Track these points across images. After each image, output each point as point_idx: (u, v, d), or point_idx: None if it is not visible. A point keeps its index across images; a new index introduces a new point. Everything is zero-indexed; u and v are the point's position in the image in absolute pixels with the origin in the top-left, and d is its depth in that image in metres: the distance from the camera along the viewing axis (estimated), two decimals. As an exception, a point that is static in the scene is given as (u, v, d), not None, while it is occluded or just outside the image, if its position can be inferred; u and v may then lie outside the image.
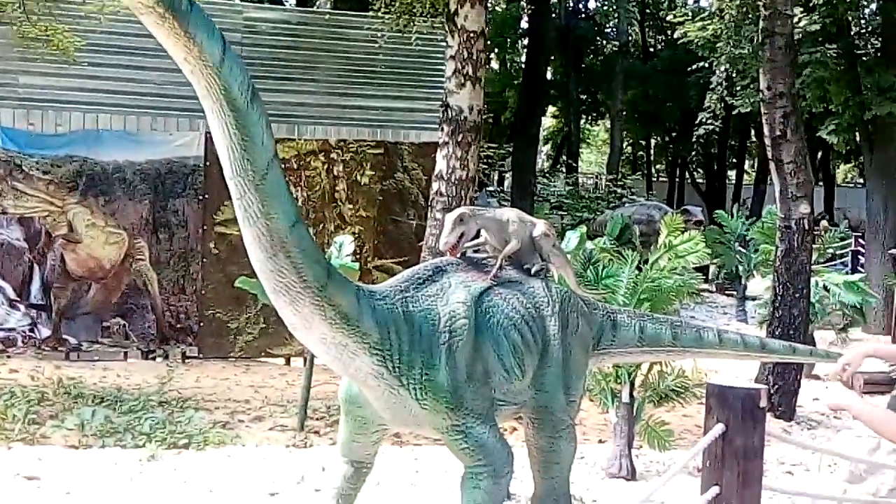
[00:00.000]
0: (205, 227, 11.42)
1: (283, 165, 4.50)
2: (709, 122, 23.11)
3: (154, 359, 11.34)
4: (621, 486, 7.05)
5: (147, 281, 11.42)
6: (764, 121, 10.19)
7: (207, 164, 11.31)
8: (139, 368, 10.72)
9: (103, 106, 11.37)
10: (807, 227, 10.00)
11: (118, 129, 11.47)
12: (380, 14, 11.72)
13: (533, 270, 5.80)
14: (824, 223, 24.75)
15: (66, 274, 11.21)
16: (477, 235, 5.76)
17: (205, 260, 11.43)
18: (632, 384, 7.40)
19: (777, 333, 9.74)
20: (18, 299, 11.09)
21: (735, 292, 18.77)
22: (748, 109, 19.92)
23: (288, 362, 11.58)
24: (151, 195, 11.44)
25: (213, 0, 12.26)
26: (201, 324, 11.46)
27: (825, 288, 12.57)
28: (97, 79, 11.31)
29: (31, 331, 11.11)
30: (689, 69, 23.33)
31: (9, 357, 10.72)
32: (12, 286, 11.08)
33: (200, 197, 11.45)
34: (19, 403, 8.28)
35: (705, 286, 19.66)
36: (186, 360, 11.38)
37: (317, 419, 8.66)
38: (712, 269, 20.32)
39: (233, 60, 4.10)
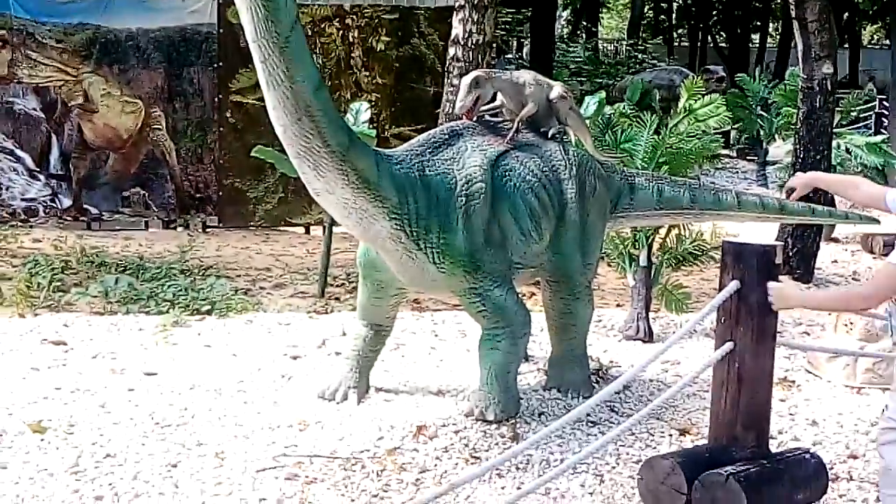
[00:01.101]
0: (220, 96, 11.35)
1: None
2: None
3: (175, 228, 11.42)
4: (638, 348, 7.14)
5: (165, 151, 11.41)
6: (788, -21, 9.93)
7: (221, 31, 11.17)
8: (160, 238, 10.82)
9: (114, -29, 11.16)
10: (829, 87, 9.84)
11: (130, -4, 11.29)
12: None
13: (550, 133, 5.77)
14: None
15: (84, 144, 11.21)
16: (493, 99, 5.71)
17: (221, 129, 11.38)
18: (649, 248, 7.42)
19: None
20: (38, 169, 11.13)
21: (756, 157, 18.63)
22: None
23: (307, 231, 11.65)
24: (166, 64, 11.33)
25: None
26: (220, 193, 11.49)
27: (847, 150, 12.43)
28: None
29: (52, 201, 11.18)
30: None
31: (31, 227, 10.83)
32: (31, 156, 11.10)
33: (215, 65, 11.34)
34: (43, 272, 8.38)
35: (726, 151, 19.50)
36: (207, 230, 11.46)
37: (337, 286, 8.75)
38: (733, 133, 20.09)
39: None
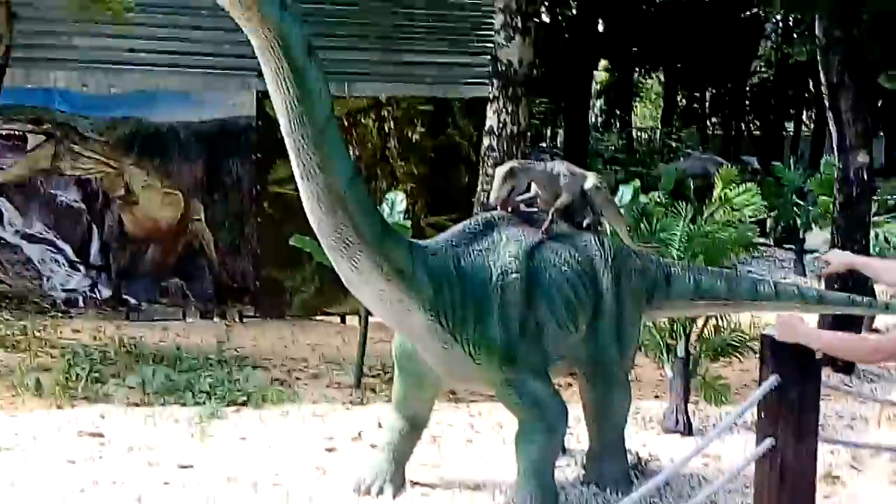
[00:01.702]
0: (259, 187, 11.51)
1: (334, 123, 4.50)
2: (763, 70, 22.68)
3: (212, 318, 11.48)
4: (677, 441, 7.03)
5: (203, 241, 11.54)
6: (821, 68, 9.98)
7: (260, 123, 11.37)
8: (197, 328, 10.87)
9: (156, 66, 11.42)
10: (866, 176, 9.80)
11: (171, 90, 11.53)
12: (429, -31, 11.63)
13: (585, 224, 5.77)
14: None
15: (125, 235, 11.36)
16: (528, 189, 5.74)
17: (259, 220, 11.52)
18: (687, 338, 7.35)
19: (836, 286, 9.59)
20: (79, 260, 11.26)
21: (793, 246, 18.51)
22: (805, 58, 19.52)
23: (343, 320, 11.66)
24: (206, 155, 11.52)
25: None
26: (257, 283, 11.58)
27: (885, 239, 12.34)
28: (150, 39, 11.35)
29: (92, 291, 11.29)
30: (742, 17, 22.86)
31: (71, 317, 10.92)
32: (72, 247, 11.25)
33: (254, 157, 11.52)
34: (82, 363, 8.44)
35: (762, 239, 19.35)
36: (244, 320, 11.51)
37: (373, 376, 8.72)
38: (769, 222, 20.00)
39: (292, 16, 4.12)
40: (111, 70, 11.32)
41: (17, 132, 10.99)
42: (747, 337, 7.66)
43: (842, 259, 4.39)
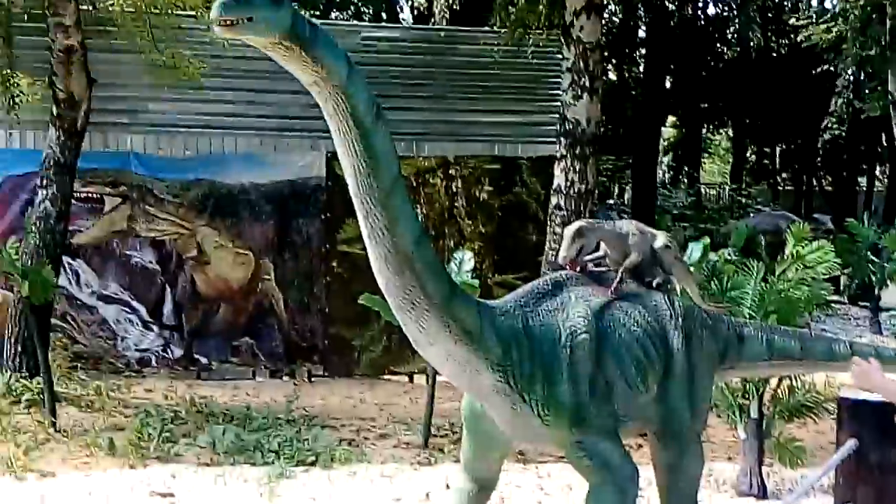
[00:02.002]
0: (328, 246, 11.63)
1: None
2: (835, 127, 22.43)
3: (281, 377, 11.56)
4: (752, 504, 6.88)
5: (273, 300, 11.66)
6: (893, 123, 9.85)
7: (329, 183, 11.52)
8: (267, 387, 10.95)
9: (229, 129, 11.66)
10: (943, 233, 9.61)
11: (243, 152, 11.76)
12: (495, 28, 11.76)
13: (654, 283, 5.71)
14: None
15: (197, 295, 11.53)
16: (596, 249, 5.71)
17: (328, 279, 11.63)
18: (760, 399, 7.21)
19: (914, 344, 9.38)
20: (152, 320, 11.44)
21: (868, 303, 18.14)
22: (877, 113, 19.29)
23: (411, 379, 11.66)
24: (276, 216, 11.68)
25: (330, 21, 12.45)
26: (326, 342, 11.65)
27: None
28: (222, 102, 11.61)
29: (164, 351, 11.45)
30: (813, 73, 22.68)
31: (143, 377, 11.07)
32: (146, 307, 11.43)
33: (323, 216, 11.66)
34: (154, 422, 8.54)
35: (836, 297, 19.01)
36: (312, 379, 11.57)
37: (441, 436, 8.69)
38: (843, 279, 19.64)
39: (359, 80, 4.16)
40: (186, 133, 11.59)
41: (94, 195, 11.25)
42: (822, 397, 7.50)
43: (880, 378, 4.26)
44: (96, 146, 11.17)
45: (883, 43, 14.51)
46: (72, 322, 11.16)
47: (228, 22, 3.65)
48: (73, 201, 10.40)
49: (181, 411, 9.18)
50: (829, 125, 22.29)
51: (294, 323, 11.70)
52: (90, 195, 11.22)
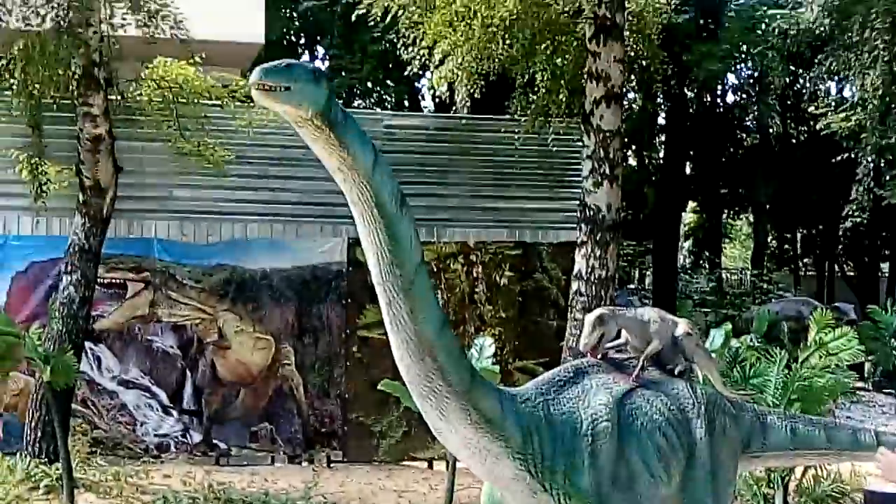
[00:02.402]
0: (348, 331, 11.64)
1: (424, 270, 4.56)
2: (856, 214, 22.42)
3: (300, 463, 11.48)
4: None
5: (293, 385, 11.64)
6: (915, 211, 9.85)
7: (350, 269, 11.58)
8: (285, 472, 10.87)
9: (251, 215, 11.78)
10: (968, 320, 9.53)
11: (265, 238, 11.85)
12: (516, 116, 11.92)
13: (676, 371, 5.69)
14: None
15: (217, 380, 11.52)
16: (618, 336, 5.69)
17: (348, 364, 11.62)
18: (785, 489, 7.11)
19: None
20: (172, 405, 11.42)
21: (893, 390, 17.94)
22: (898, 200, 19.30)
23: (431, 466, 11.55)
24: (296, 301, 11.73)
25: (352, 109, 12.65)
26: (345, 427, 11.59)
27: None
28: (245, 189, 11.75)
29: (184, 436, 11.41)
30: (833, 161, 22.76)
31: (162, 462, 11.01)
32: (166, 392, 11.43)
33: (343, 301, 11.70)
34: (172, 509, 8.48)
35: (861, 385, 18.82)
36: (331, 464, 11.48)
37: (460, 524, 8.59)
38: (867, 366, 19.47)
39: (383, 168, 4.20)
40: (209, 219, 11.70)
41: (118, 280, 11.34)
42: (849, 487, 7.39)
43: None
44: (121, 232, 11.28)
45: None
46: (92, 407, 11.15)
47: (267, 87, 3.70)
48: (96, 287, 10.48)
49: (199, 498, 9.12)
50: (851, 212, 22.23)
51: (313, 408, 11.66)
52: (114, 281, 11.31)
